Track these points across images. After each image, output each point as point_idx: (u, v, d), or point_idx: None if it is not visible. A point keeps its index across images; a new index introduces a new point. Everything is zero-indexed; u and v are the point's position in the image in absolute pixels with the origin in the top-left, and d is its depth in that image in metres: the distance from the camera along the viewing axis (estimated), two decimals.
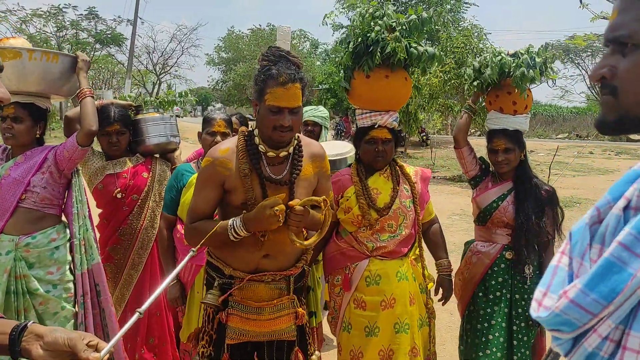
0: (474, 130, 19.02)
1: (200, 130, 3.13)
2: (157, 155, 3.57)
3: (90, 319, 2.93)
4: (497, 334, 2.99)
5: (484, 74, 3.15)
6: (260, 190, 2.21)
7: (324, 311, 3.64)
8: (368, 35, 2.83)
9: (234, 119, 3.28)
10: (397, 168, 2.99)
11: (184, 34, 40.94)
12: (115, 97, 3.69)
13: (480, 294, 3.10)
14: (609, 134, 1.01)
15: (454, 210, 10.39)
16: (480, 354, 3.00)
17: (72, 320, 2.93)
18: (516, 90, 3.11)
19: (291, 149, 2.26)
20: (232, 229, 2.13)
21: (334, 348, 3.00)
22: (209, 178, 2.23)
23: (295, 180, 2.26)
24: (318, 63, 37.57)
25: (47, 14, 28.29)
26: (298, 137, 2.32)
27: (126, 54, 31.02)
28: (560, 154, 14.12)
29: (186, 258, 1.88)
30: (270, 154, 2.22)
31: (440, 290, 3.02)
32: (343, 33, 3.14)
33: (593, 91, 33.81)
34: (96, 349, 1.23)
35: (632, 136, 24.17)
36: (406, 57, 2.83)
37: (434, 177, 15.17)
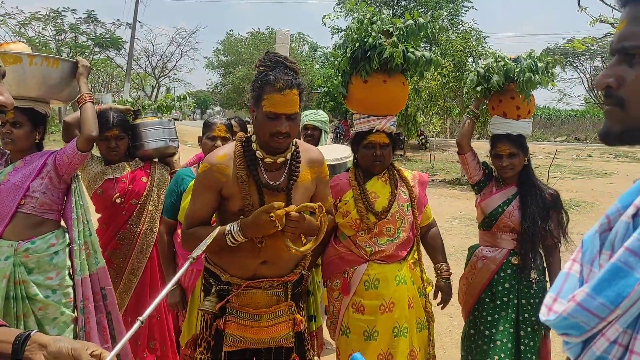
0: (474, 133, 19.04)
1: (201, 135, 3.13)
2: (156, 160, 3.58)
3: (93, 324, 2.91)
4: (504, 340, 2.98)
5: (489, 80, 3.15)
6: (257, 196, 2.21)
7: (324, 315, 3.64)
8: (365, 40, 2.84)
9: (233, 122, 3.29)
10: (395, 172, 2.99)
11: (183, 38, 40.92)
12: (114, 101, 3.68)
13: (487, 300, 3.09)
14: (613, 145, 0.99)
15: (452, 213, 10.39)
16: None
17: (72, 326, 2.92)
18: (520, 95, 3.11)
19: (289, 155, 2.25)
20: (230, 235, 2.12)
21: (334, 352, 3.00)
22: (206, 184, 2.23)
23: (293, 186, 2.25)
24: (317, 66, 37.56)
25: (46, 17, 28.24)
26: (296, 142, 2.31)
27: (125, 57, 31.05)
28: (558, 156, 14.14)
29: (186, 264, 1.87)
30: (268, 160, 2.21)
31: (439, 294, 3.02)
32: (341, 37, 3.16)
33: (591, 94, 33.83)
34: (99, 358, 1.22)
35: None
36: (403, 62, 2.84)
37: (432, 180, 15.18)
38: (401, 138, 19.91)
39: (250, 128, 2.47)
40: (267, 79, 2.09)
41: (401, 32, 2.88)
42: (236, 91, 35.68)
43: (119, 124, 3.29)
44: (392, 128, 2.93)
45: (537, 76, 3.05)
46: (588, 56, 32.12)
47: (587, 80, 33.28)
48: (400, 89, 2.96)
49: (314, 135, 4.39)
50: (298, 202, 2.24)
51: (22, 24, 27.63)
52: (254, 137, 2.25)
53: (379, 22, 2.90)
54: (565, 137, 31.94)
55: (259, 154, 2.21)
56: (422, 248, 3.04)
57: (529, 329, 3.01)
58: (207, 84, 53.47)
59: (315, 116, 4.46)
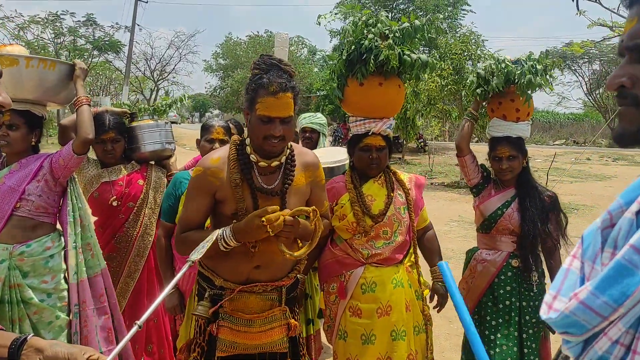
0: (473, 136, 19.07)
1: (199, 138, 3.12)
2: (153, 162, 3.57)
3: (91, 327, 2.89)
4: (510, 344, 2.97)
5: (490, 82, 3.14)
6: (251, 200, 2.18)
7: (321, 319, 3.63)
8: (361, 43, 2.83)
9: (230, 124, 3.28)
10: (391, 175, 2.98)
11: (182, 41, 41.08)
12: (112, 104, 3.67)
13: (490, 304, 3.08)
14: (629, 146, 0.97)
15: (452, 216, 10.39)
16: None
17: (67, 330, 2.90)
18: (520, 98, 3.11)
19: (283, 159, 2.23)
20: (222, 239, 2.09)
21: (332, 356, 2.98)
22: (200, 188, 2.20)
23: (287, 190, 2.23)
24: (316, 70, 37.63)
25: (45, 20, 28.31)
26: (291, 146, 2.29)
27: (124, 60, 31.10)
28: (557, 160, 14.15)
29: (184, 267, 1.86)
30: (262, 163, 2.18)
31: (435, 297, 3.01)
32: (339, 40, 3.15)
33: (590, 98, 33.89)
34: None
35: None
36: (399, 64, 2.84)
37: (431, 184, 15.18)
38: (400, 141, 19.95)
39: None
40: (261, 82, 2.07)
41: (397, 35, 2.87)
42: (235, 94, 35.77)
43: (115, 126, 3.29)
44: (388, 131, 2.92)
45: (537, 78, 3.05)
46: (587, 60, 32.17)
47: (586, 84, 33.34)
48: (396, 92, 2.95)
49: (312, 138, 4.39)
50: (293, 206, 2.21)
51: (20, 27, 27.71)
52: (248, 141, 2.23)
53: (379, 24, 2.89)
54: (564, 140, 31.99)
55: (253, 157, 2.19)
56: (419, 251, 3.02)
57: (530, 332, 3.01)
58: (206, 87, 53.67)
59: (313, 119, 4.46)
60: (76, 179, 3.09)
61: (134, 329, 1.41)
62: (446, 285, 1.88)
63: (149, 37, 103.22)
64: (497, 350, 2.98)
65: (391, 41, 2.82)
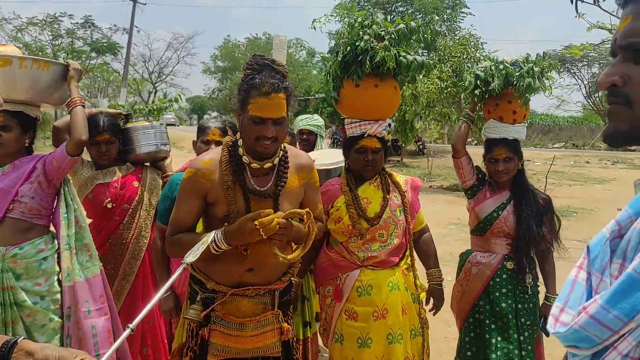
0: (471, 139, 19.06)
1: (195, 139, 3.11)
2: (148, 164, 3.55)
3: (87, 328, 2.86)
4: (511, 347, 2.97)
5: (489, 83, 3.13)
6: (243, 202, 2.16)
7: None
8: (357, 44, 2.82)
9: (226, 126, 3.26)
10: (387, 177, 2.97)
11: (180, 43, 41.08)
12: (109, 105, 3.66)
13: (487, 307, 3.07)
14: (619, 145, 0.96)
15: (450, 219, 10.38)
16: None
17: (60, 332, 2.87)
18: (518, 100, 3.10)
19: (276, 160, 2.20)
20: (213, 242, 2.06)
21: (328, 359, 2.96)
22: (191, 189, 2.18)
23: (280, 192, 2.21)
24: (314, 72, 37.68)
25: (43, 22, 28.34)
26: (284, 147, 2.27)
27: (122, 62, 31.14)
28: (556, 163, 14.14)
29: (179, 270, 1.84)
30: (254, 165, 2.16)
31: (432, 300, 2.99)
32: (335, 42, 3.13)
33: (589, 101, 33.95)
34: None
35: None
36: (395, 66, 2.82)
37: (430, 187, 15.18)
38: (398, 144, 19.96)
39: None
40: (253, 82, 2.05)
41: (392, 36, 2.86)
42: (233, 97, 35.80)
43: (109, 128, 3.26)
44: (384, 133, 2.91)
45: (536, 81, 3.04)
46: (586, 63, 32.28)
47: (585, 87, 33.42)
48: (392, 94, 2.94)
49: (309, 139, 4.38)
50: (286, 208, 2.18)
51: (18, 28, 27.75)
52: (240, 142, 2.20)
53: (374, 26, 2.88)
54: (563, 143, 32.00)
55: (245, 159, 2.16)
56: (415, 254, 3.00)
57: (526, 334, 3.01)
58: (204, 90, 53.76)
59: (310, 121, 4.46)
60: (70, 181, 3.07)
61: (126, 332, 1.40)
62: None
63: (147, 39, 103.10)
64: (499, 353, 2.97)
65: (387, 42, 2.81)
